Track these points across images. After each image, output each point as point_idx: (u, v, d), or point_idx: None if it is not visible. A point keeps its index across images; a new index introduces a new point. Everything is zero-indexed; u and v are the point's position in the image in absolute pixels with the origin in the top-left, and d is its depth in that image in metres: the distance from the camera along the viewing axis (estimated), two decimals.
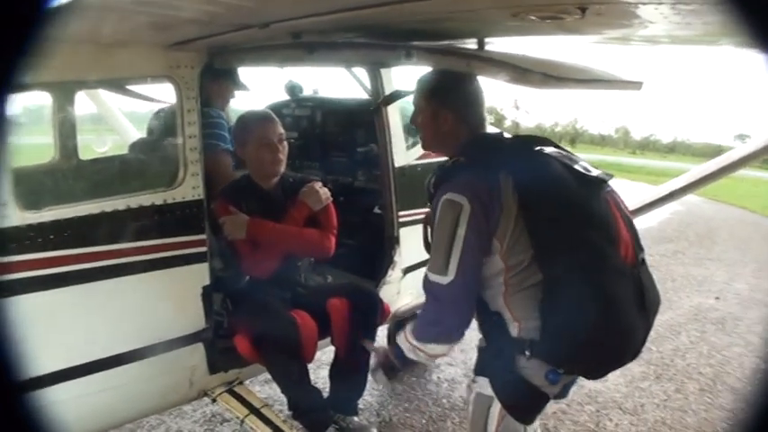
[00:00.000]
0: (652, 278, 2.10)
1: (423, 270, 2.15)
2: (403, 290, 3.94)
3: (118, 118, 4.96)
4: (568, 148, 2.26)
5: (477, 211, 1.96)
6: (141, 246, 2.71)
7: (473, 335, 2.25)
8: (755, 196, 19.13)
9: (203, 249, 2.94)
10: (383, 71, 3.82)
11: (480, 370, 2.21)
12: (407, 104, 4.01)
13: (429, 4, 1.86)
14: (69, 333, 2.52)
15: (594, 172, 2.10)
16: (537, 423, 2.24)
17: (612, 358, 2.10)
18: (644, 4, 1.68)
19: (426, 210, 2.26)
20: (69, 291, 2.50)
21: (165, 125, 3.14)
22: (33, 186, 2.93)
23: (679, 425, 4.15)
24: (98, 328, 2.63)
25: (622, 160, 36.42)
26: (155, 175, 2.97)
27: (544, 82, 1.92)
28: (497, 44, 2.51)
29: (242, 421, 3.05)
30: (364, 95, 4.03)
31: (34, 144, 3.89)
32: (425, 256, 2.22)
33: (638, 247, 2.08)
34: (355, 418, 3.43)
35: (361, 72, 3.91)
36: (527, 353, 2.01)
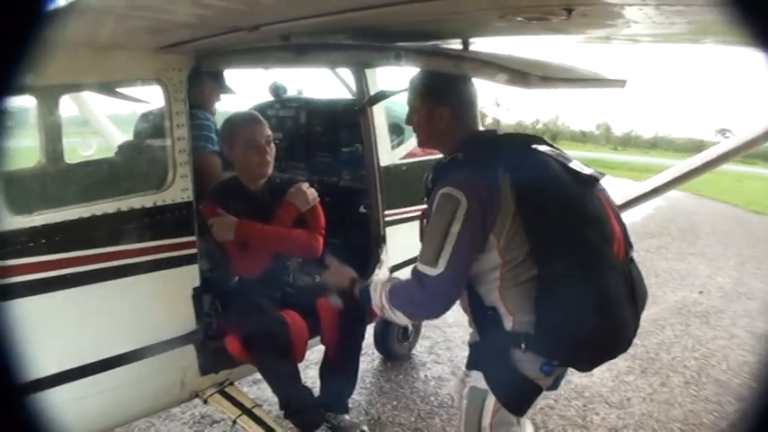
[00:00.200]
0: (641, 273, 2.15)
1: (410, 268, 2.18)
2: None
3: (101, 121, 4.93)
4: None
5: (473, 208, 1.99)
6: (131, 248, 2.70)
7: (457, 332, 2.27)
8: (738, 191, 19.38)
9: (193, 251, 2.94)
10: (368, 71, 3.83)
11: (474, 364, 2.24)
12: (392, 104, 4.03)
13: (418, 7, 1.88)
14: (61, 337, 2.50)
15: (587, 171, 2.14)
16: (528, 415, 2.28)
17: (606, 352, 2.15)
18: (629, 5, 1.72)
19: (414, 208, 2.28)
20: (60, 294, 2.49)
21: (154, 127, 3.13)
22: (23, 190, 2.92)
23: (665, 417, 4.20)
24: (89, 331, 2.62)
25: (604, 156, 36.65)
26: (144, 178, 2.96)
27: (531, 82, 1.95)
28: (481, 44, 2.54)
29: (234, 422, 3.06)
30: (348, 96, 4.04)
31: (18, 147, 3.85)
32: (412, 254, 2.25)
33: (628, 244, 2.13)
34: (346, 416, 3.46)
35: (346, 72, 3.92)
36: (522, 346, 2.04)
